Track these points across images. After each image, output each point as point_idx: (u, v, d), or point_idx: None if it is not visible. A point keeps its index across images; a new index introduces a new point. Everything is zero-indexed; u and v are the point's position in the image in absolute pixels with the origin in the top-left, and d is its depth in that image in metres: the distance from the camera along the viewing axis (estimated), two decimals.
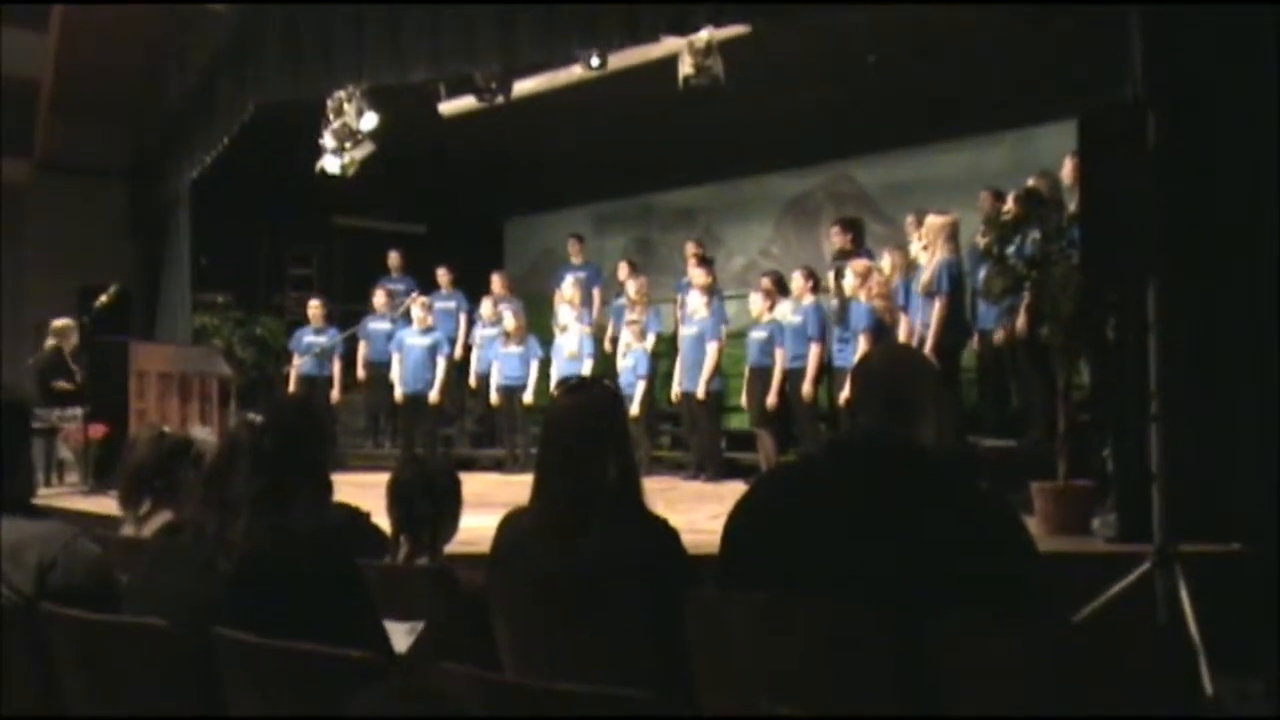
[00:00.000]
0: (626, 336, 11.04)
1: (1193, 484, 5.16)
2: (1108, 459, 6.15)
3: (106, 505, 6.83)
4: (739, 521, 2.81)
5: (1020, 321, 7.68)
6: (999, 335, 8.27)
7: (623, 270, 12.07)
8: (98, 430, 9.61)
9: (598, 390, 3.13)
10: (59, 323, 10.18)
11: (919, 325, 8.47)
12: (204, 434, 3.92)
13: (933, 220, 8.56)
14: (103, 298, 10.17)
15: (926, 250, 8.70)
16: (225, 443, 2.88)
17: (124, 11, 10.25)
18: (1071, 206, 6.64)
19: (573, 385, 3.16)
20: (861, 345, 8.53)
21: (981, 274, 7.72)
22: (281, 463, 2.75)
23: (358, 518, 3.89)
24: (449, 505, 3.68)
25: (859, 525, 2.58)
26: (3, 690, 2.78)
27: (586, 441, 2.97)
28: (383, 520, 3.73)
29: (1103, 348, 6.32)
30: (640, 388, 10.59)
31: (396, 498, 3.64)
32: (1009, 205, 7.48)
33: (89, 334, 10.01)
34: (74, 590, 2.79)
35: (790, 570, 2.62)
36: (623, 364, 10.95)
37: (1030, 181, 7.97)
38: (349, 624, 2.62)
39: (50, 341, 10.13)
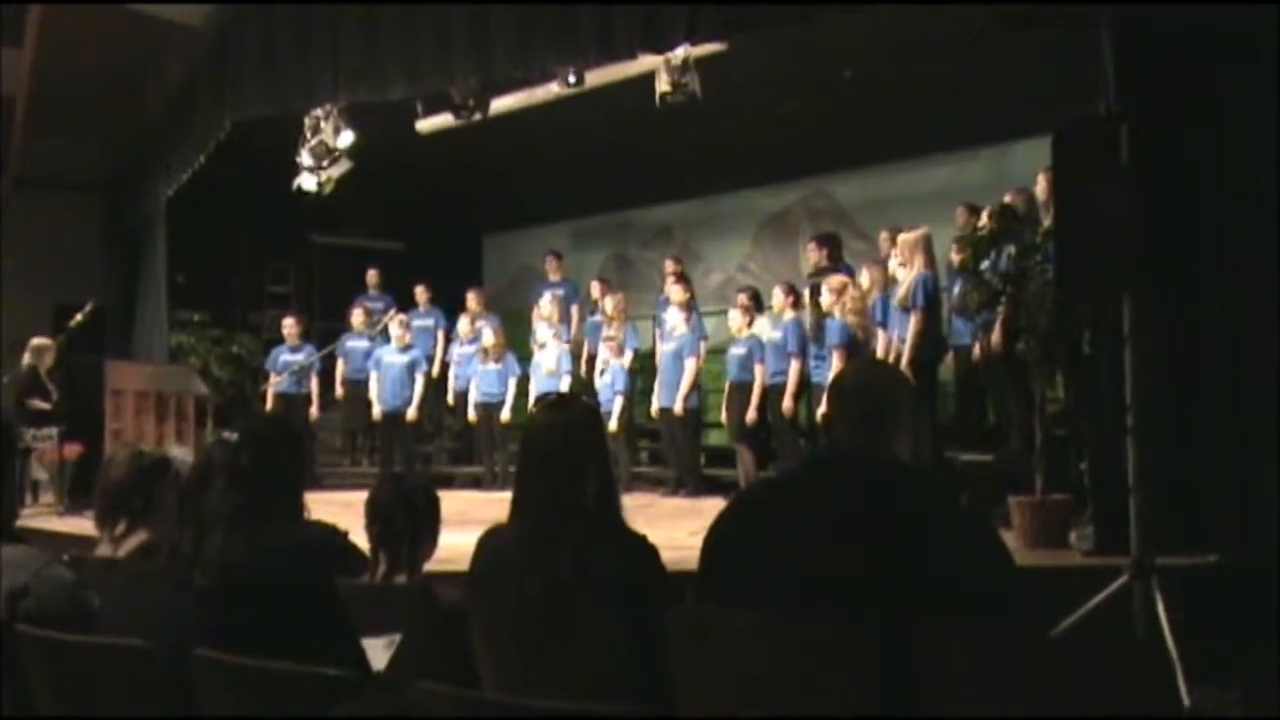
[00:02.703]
0: (604, 353, 11.04)
1: (1169, 497, 5.19)
2: (1084, 472, 6.18)
3: (82, 526, 6.79)
4: (719, 537, 2.82)
5: (996, 336, 7.72)
6: (975, 350, 8.30)
7: (595, 288, 12.07)
8: (73, 450, 9.55)
9: (576, 407, 3.14)
10: (37, 341, 10.10)
11: (896, 340, 8.49)
12: (181, 453, 3.89)
13: (906, 236, 8.60)
14: (78, 316, 10.11)
15: (904, 266, 8.74)
16: (200, 460, 2.86)
17: (100, 27, 10.22)
18: (1046, 222, 6.69)
19: (551, 402, 3.16)
20: (835, 361, 8.55)
21: (957, 289, 7.76)
22: (257, 480, 2.74)
23: (335, 536, 3.87)
24: (427, 523, 3.67)
25: (838, 540, 2.58)
26: None
27: (565, 458, 2.97)
28: (361, 539, 3.72)
29: (1078, 362, 6.36)
30: (619, 404, 10.60)
31: (375, 516, 3.63)
32: (984, 221, 7.53)
33: (64, 352, 9.95)
34: (45, 617, 2.77)
35: (770, 585, 2.62)
36: (601, 380, 10.95)
37: (1006, 198, 8.03)
38: (326, 642, 2.61)
39: (27, 359, 10.06)
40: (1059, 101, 7.20)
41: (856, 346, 8.60)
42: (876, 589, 2.49)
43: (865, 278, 9.20)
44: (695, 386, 10.37)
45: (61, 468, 9.51)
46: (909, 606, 2.44)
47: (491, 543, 3.06)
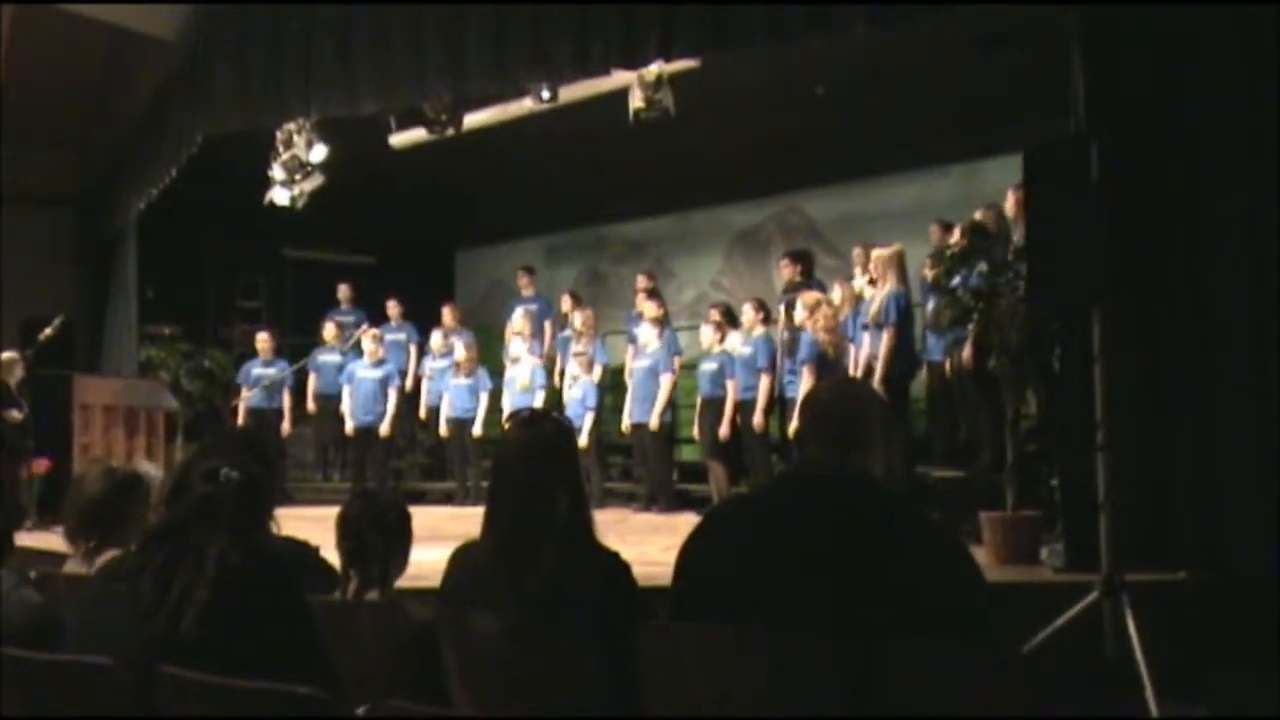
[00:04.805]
0: (574, 368, 11.04)
1: (1139, 513, 5.22)
2: (1055, 489, 6.20)
3: (51, 541, 6.73)
4: (692, 553, 2.82)
5: (967, 352, 7.74)
6: (947, 366, 8.34)
7: (566, 303, 12.07)
8: (41, 465, 9.47)
9: (548, 423, 3.13)
10: (4, 355, 10.02)
11: (865, 357, 8.52)
12: (151, 469, 3.87)
13: (879, 253, 8.64)
14: (47, 330, 10.04)
15: (873, 283, 8.78)
16: (179, 485, 2.84)
17: (72, 38, 10.18)
18: (1016, 238, 6.73)
19: (524, 418, 3.15)
20: (805, 377, 8.57)
21: (930, 305, 7.79)
22: (240, 505, 2.73)
23: (307, 552, 3.86)
24: (399, 539, 3.66)
25: (810, 557, 2.59)
26: None
27: (537, 475, 2.96)
28: (332, 555, 3.70)
29: (1049, 378, 6.39)
30: (588, 419, 10.59)
31: (346, 531, 3.61)
32: (956, 237, 7.57)
33: (32, 367, 9.87)
34: (14, 639, 2.74)
35: (743, 601, 2.63)
36: (570, 395, 10.95)
37: (976, 214, 8.07)
38: (296, 659, 2.59)
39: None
40: (1028, 119, 7.27)
41: (826, 363, 8.62)
42: (848, 606, 2.50)
43: (837, 294, 9.24)
44: (670, 402, 10.37)
45: (30, 482, 9.43)
46: (880, 623, 2.45)
47: (464, 559, 3.05)
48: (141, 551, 2.75)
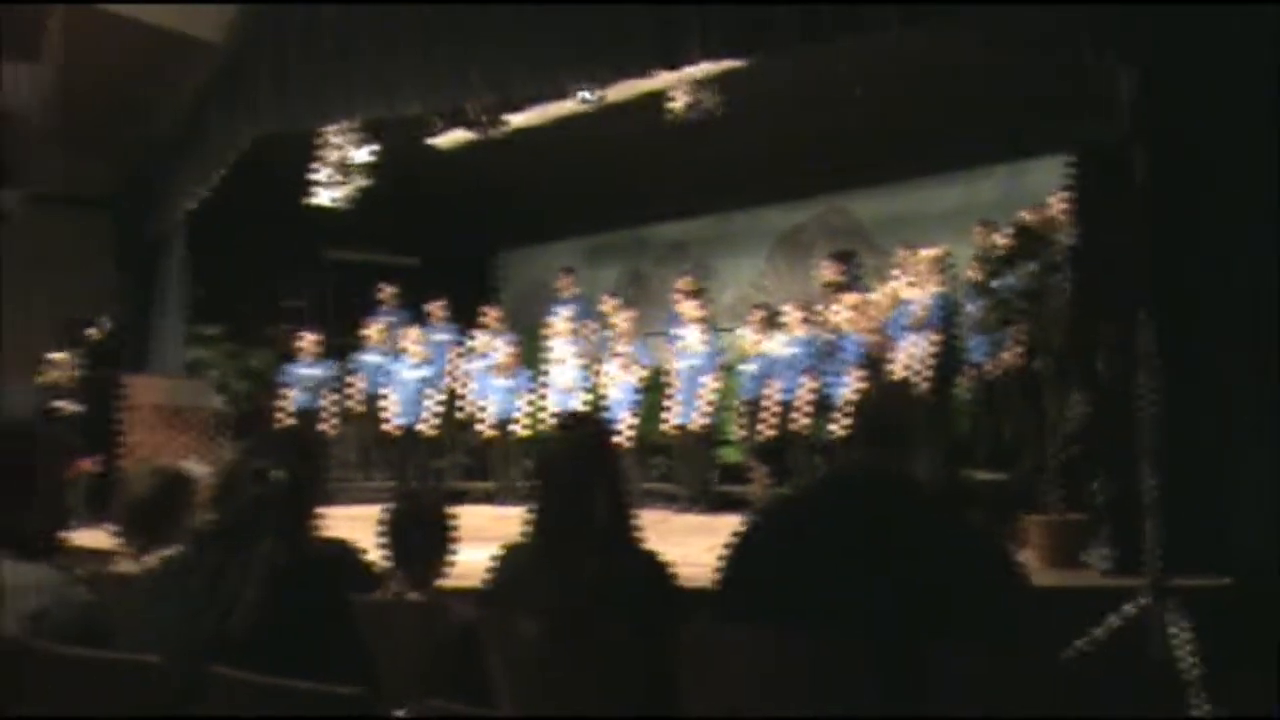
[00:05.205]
0: (615, 369, 11.04)
1: (1185, 517, 5.17)
2: (1097, 491, 6.15)
3: (99, 539, 6.80)
4: (735, 554, 2.82)
5: (1010, 355, 7.69)
6: (991, 368, 8.29)
7: (607, 303, 12.07)
8: (90, 463, 9.57)
9: (590, 424, 3.15)
10: (56, 356, 10.14)
11: (909, 359, 8.48)
12: (199, 469, 3.92)
13: (923, 254, 8.61)
14: (94, 331, 10.14)
15: (912, 285, 8.74)
16: (226, 485, 2.87)
17: (115, 41, 10.27)
18: (1062, 240, 6.67)
19: (564, 421, 3.17)
20: (851, 378, 8.55)
21: (973, 307, 7.75)
22: (286, 505, 2.76)
23: (349, 552, 3.88)
24: (442, 539, 3.67)
25: (853, 559, 2.59)
26: None
27: (580, 476, 2.98)
28: (374, 555, 3.72)
29: (1094, 381, 6.34)
30: (629, 420, 10.59)
31: (389, 532, 3.64)
32: (1001, 239, 7.52)
33: (83, 367, 9.99)
34: (62, 637, 2.77)
35: (786, 603, 2.63)
36: (611, 396, 10.95)
37: (1025, 216, 8.02)
38: (339, 659, 2.61)
39: (52, 374, 10.09)
40: (1072, 120, 7.20)
41: (872, 364, 8.59)
42: (891, 609, 2.50)
43: (879, 295, 9.21)
44: (713, 403, 10.36)
45: (78, 480, 9.53)
46: (923, 625, 2.45)
47: (508, 560, 3.07)
48: (193, 551, 2.78)
